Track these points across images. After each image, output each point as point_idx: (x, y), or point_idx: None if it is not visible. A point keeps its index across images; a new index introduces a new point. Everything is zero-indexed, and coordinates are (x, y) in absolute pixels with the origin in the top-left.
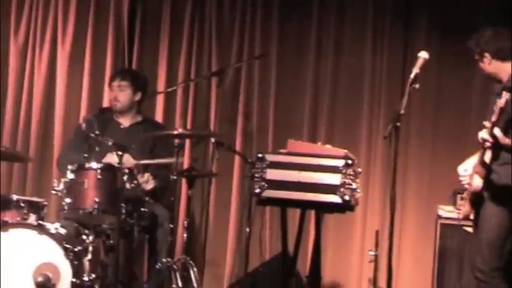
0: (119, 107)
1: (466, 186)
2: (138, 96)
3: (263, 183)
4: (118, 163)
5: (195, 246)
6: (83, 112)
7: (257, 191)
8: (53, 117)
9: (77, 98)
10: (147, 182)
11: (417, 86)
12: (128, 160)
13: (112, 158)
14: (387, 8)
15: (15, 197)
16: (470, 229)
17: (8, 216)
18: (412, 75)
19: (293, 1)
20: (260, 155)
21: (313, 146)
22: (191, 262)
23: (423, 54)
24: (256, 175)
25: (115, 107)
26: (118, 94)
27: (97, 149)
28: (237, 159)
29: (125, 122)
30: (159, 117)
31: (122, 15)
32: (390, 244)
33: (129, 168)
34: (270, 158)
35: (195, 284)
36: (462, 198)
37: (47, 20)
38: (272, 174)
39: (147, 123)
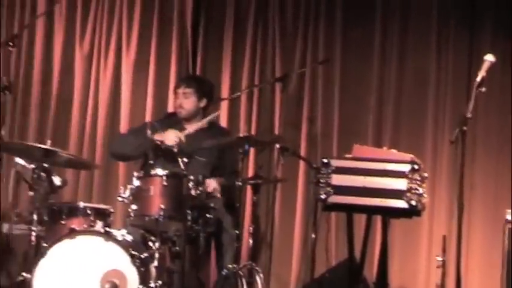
0: (183, 114)
1: None
2: (203, 103)
3: (328, 189)
4: (183, 169)
5: (260, 252)
6: (148, 119)
7: (322, 196)
8: (118, 125)
9: (141, 105)
10: (213, 188)
11: (483, 89)
12: (171, 136)
13: (161, 136)
14: (451, 11)
15: (82, 204)
16: None
17: (75, 224)
18: (478, 78)
19: (356, 6)
20: (325, 160)
21: (378, 151)
22: (257, 268)
23: (489, 58)
24: (322, 180)
25: (180, 114)
26: (183, 101)
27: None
28: (301, 164)
29: (191, 128)
30: (223, 123)
31: (185, 22)
32: (458, 249)
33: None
34: (335, 163)
35: None
36: None
37: (112, 28)
38: (337, 179)
39: (213, 128)
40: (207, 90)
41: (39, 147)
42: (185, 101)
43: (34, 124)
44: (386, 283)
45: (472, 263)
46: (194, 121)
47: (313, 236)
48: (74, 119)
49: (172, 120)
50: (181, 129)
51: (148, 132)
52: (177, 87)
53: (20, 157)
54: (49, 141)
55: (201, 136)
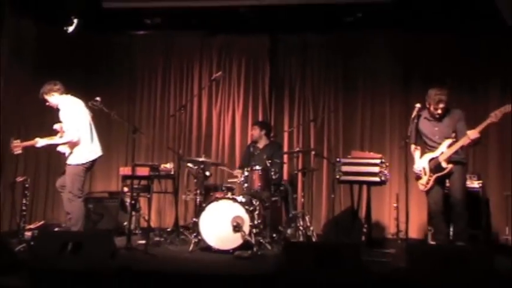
0: (256, 139)
1: None
2: (263, 132)
3: (340, 173)
4: (269, 166)
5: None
6: (245, 143)
7: (337, 176)
8: (236, 142)
9: (245, 136)
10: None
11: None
12: None
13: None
14: None
15: (220, 184)
16: None
17: (218, 194)
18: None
19: None
20: (338, 159)
21: (365, 154)
22: (306, 212)
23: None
24: (337, 169)
25: (254, 137)
26: (253, 132)
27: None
28: (325, 162)
29: (260, 145)
30: (286, 144)
31: (264, 89)
32: (406, 200)
33: None
34: (343, 160)
35: None
36: None
37: (230, 95)
38: (345, 168)
39: (272, 144)
40: (266, 125)
41: (200, 160)
42: (254, 132)
43: (195, 144)
44: (370, 218)
45: (412, 205)
46: (262, 141)
47: (332, 196)
48: (214, 140)
49: (252, 144)
50: (257, 147)
51: (251, 149)
52: (252, 129)
53: (190, 163)
54: (203, 155)
55: (267, 148)
